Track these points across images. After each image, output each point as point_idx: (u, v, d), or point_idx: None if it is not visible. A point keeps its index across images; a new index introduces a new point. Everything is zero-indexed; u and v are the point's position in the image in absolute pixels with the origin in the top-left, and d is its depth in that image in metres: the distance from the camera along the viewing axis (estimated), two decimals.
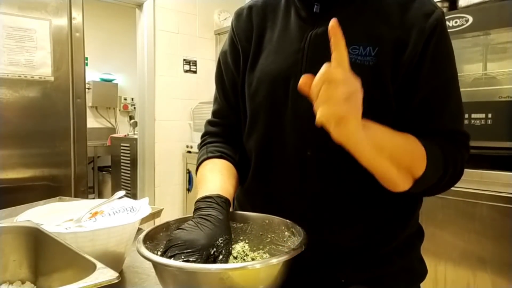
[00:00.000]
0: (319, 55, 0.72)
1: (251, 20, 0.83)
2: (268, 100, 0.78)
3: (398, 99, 0.71)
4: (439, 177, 0.69)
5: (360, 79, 0.69)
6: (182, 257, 0.56)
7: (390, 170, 0.65)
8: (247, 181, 0.85)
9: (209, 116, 0.93)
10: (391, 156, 0.64)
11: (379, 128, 0.63)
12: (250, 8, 0.85)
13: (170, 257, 0.56)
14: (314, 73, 0.73)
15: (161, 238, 0.65)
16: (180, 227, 0.62)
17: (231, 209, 0.73)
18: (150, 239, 0.62)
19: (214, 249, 0.59)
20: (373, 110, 0.70)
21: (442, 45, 0.71)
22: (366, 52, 0.70)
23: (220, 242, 0.60)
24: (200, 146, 0.89)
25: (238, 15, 0.87)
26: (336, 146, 0.72)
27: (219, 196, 0.68)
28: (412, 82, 0.70)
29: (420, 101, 0.71)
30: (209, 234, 0.60)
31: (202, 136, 0.91)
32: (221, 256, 0.59)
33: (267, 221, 0.70)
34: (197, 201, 0.68)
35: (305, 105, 0.73)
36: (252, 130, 0.82)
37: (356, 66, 0.69)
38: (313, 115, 0.73)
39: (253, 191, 0.85)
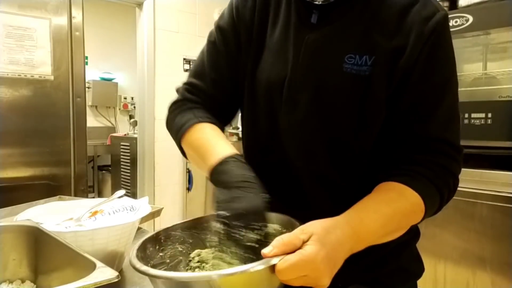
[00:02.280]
0: (314, 63, 0.71)
1: (255, 4, 0.79)
2: (265, 105, 0.76)
3: (390, 102, 0.69)
4: (437, 208, 0.69)
5: (354, 89, 0.67)
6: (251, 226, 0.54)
7: (387, 239, 0.65)
8: None
9: None
10: (385, 234, 0.63)
11: (364, 226, 0.59)
12: None
13: (237, 227, 0.54)
14: (307, 80, 0.71)
15: (152, 250, 0.62)
16: (228, 199, 0.57)
17: None
18: (143, 251, 0.59)
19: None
20: (363, 119, 0.69)
21: (437, 48, 0.67)
22: (362, 62, 0.67)
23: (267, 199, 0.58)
24: (179, 111, 0.80)
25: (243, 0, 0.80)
26: (327, 159, 0.71)
27: (239, 155, 0.65)
28: (403, 85, 0.67)
29: (408, 105, 0.68)
30: (258, 197, 0.57)
31: (178, 102, 0.82)
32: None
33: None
34: (219, 164, 0.63)
35: (299, 115, 0.71)
36: (251, 132, 0.81)
37: (351, 77, 0.67)
38: (305, 126, 0.71)
39: None
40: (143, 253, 0.58)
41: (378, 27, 0.68)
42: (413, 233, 0.81)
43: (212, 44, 0.82)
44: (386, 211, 0.62)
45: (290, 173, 0.75)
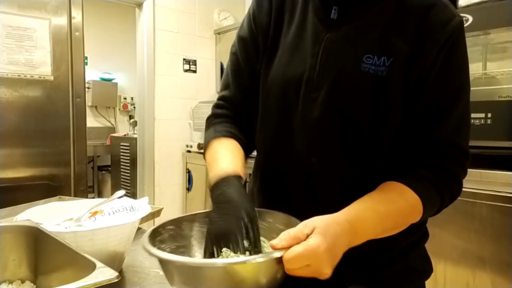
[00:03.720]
0: (332, 62, 0.72)
1: (271, 7, 0.80)
2: (279, 102, 0.77)
3: (404, 104, 0.70)
4: (436, 210, 0.71)
5: (371, 88, 0.69)
6: (221, 250, 0.60)
7: (384, 235, 0.67)
8: (258, 178, 0.84)
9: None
10: (382, 231, 0.65)
11: (361, 223, 0.62)
12: None
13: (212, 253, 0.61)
14: (325, 79, 0.72)
15: (164, 234, 0.66)
16: (210, 220, 0.64)
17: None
18: (155, 236, 0.63)
19: (243, 228, 0.60)
20: (379, 118, 0.70)
21: (454, 54, 0.69)
22: (380, 62, 0.68)
23: (246, 219, 0.61)
24: (206, 128, 0.86)
25: (259, 1, 0.82)
26: (342, 156, 0.72)
27: (234, 176, 0.68)
28: (418, 89, 0.69)
29: (422, 108, 0.70)
30: (233, 218, 0.61)
31: (208, 119, 0.88)
32: (251, 233, 0.61)
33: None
34: (213, 186, 0.68)
35: (315, 112, 0.72)
36: (262, 128, 0.82)
37: (368, 76, 0.68)
38: (321, 123, 0.72)
39: (262, 190, 0.84)
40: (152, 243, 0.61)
41: (397, 29, 0.69)
42: (422, 233, 0.81)
43: (234, 55, 0.86)
44: (383, 210, 0.65)
45: (301, 169, 0.75)
